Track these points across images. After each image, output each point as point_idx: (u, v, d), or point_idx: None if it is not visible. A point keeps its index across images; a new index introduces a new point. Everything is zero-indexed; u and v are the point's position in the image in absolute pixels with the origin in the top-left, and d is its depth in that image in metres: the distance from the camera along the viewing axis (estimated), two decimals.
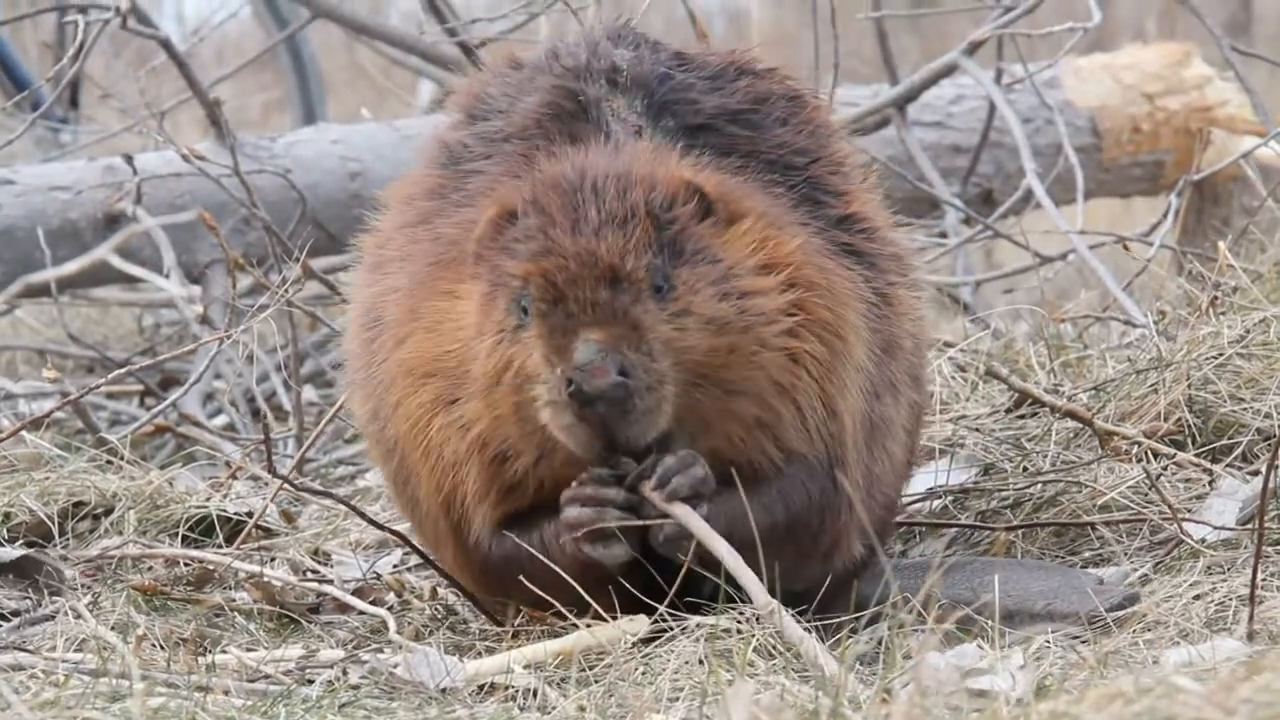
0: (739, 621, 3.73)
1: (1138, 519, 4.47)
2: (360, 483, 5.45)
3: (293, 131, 7.28)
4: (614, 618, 3.82)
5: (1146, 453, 4.62)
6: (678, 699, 3.58)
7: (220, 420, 6.16)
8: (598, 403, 3.65)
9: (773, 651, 3.69)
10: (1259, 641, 3.78)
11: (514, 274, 3.77)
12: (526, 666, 3.76)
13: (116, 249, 6.30)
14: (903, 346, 4.09)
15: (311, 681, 3.77)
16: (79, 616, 4.06)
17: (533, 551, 3.83)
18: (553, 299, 3.71)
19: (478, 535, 3.92)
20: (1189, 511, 4.42)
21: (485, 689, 3.73)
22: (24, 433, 4.86)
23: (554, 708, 3.62)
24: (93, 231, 6.43)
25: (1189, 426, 4.72)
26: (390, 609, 4.23)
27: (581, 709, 3.59)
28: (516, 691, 3.70)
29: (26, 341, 7.43)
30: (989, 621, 3.75)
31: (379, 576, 4.48)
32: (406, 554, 4.52)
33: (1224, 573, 4.15)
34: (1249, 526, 4.29)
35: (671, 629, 3.78)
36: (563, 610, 3.84)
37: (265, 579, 4.32)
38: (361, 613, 4.23)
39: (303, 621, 4.25)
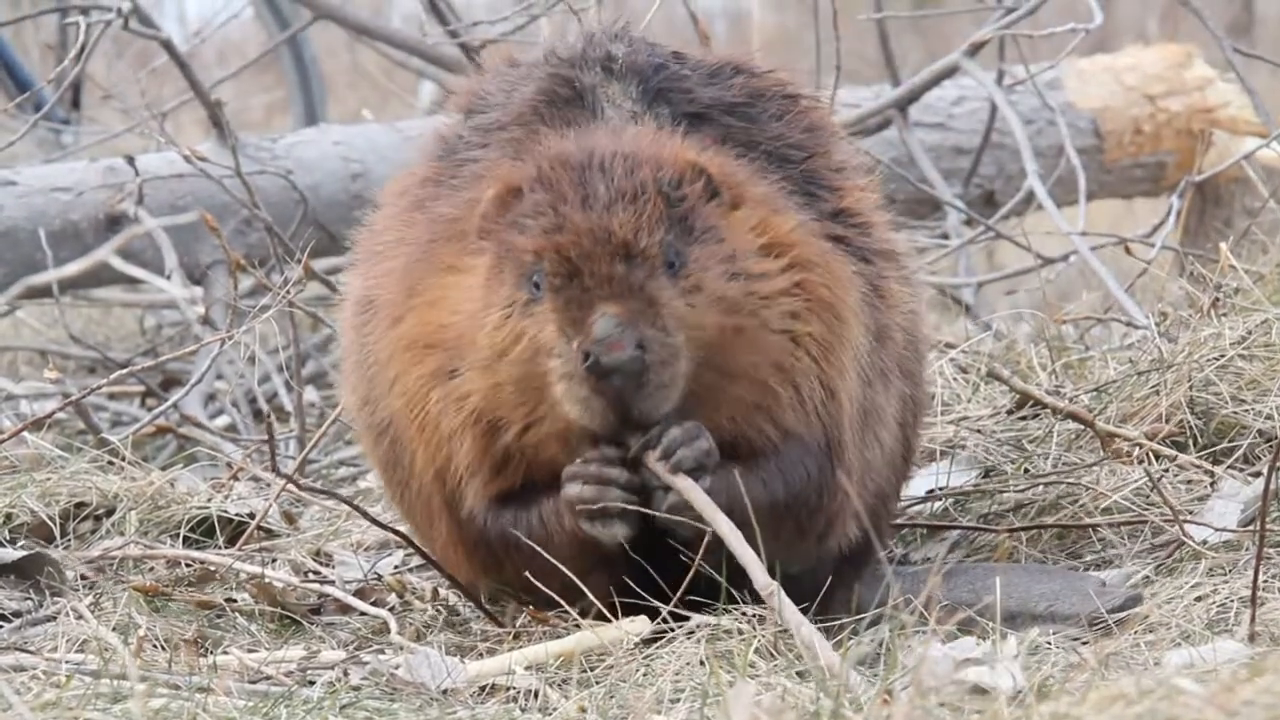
0: (740, 622, 3.73)
1: (1139, 521, 4.47)
2: (362, 484, 5.45)
3: (294, 132, 7.27)
4: (611, 611, 3.83)
5: (1148, 454, 4.62)
6: (679, 700, 3.58)
7: (222, 421, 6.16)
8: (614, 376, 3.66)
9: (774, 652, 3.69)
10: (1260, 643, 3.78)
11: (525, 249, 3.76)
12: (528, 667, 3.77)
13: (118, 250, 6.31)
14: (893, 338, 4.09)
15: (313, 682, 3.77)
16: (80, 617, 4.05)
17: (531, 526, 3.84)
18: (567, 273, 3.71)
19: (472, 509, 3.91)
20: (1190, 513, 4.42)
21: (486, 690, 3.73)
22: (25, 433, 4.85)
23: (555, 709, 3.62)
24: (94, 232, 6.43)
25: (1190, 428, 4.72)
26: (392, 610, 4.23)
27: (583, 710, 3.59)
28: (518, 692, 3.70)
29: (28, 342, 7.43)
30: (990, 623, 3.75)
31: (380, 577, 4.48)
32: (408, 555, 4.52)
33: (1225, 574, 4.15)
34: (1250, 528, 4.29)
35: (673, 629, 3.78)
36: (554, 597, 3.83)
37: (267, 580, 4.32)
38: (363, 614, 4.23)
39: (304, 622, 4.25)
